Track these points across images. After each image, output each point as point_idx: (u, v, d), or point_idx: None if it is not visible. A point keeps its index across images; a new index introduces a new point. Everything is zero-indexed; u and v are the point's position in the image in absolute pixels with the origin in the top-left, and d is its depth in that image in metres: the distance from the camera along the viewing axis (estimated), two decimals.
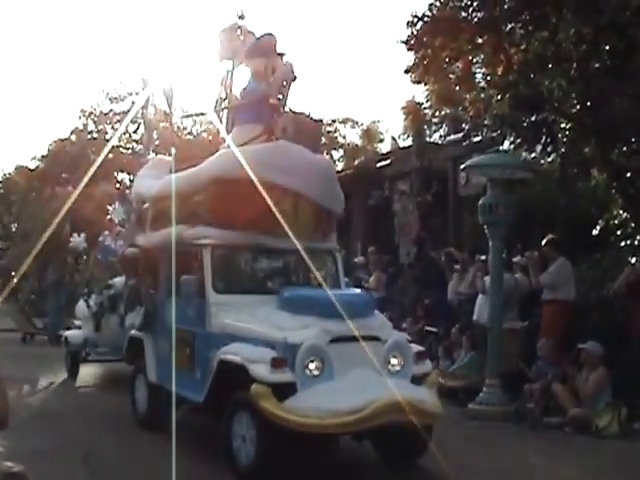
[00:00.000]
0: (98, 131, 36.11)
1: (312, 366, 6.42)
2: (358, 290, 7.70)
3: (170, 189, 8.29)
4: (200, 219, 7.77)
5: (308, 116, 8.30)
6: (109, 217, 12.79)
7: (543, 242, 10.72)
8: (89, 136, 36.06)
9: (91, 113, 36.58)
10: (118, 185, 35.54)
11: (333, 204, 8.12)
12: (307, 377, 6.39)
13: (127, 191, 12.10)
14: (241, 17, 8.96)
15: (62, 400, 10.98)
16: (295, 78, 8.10)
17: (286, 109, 8.21)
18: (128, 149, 35.51)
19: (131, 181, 35.46)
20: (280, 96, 8.12)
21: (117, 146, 34.38)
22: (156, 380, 8.36)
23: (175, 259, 8.06)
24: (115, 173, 35.41)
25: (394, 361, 6.87)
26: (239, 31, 8.94)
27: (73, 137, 36.44)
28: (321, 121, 8.12)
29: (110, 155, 31.64)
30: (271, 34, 8.43)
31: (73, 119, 40.80)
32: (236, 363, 6.62)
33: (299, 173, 7.58)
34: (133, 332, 8.96)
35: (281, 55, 8.22)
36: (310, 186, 7.68)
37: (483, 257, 11.18)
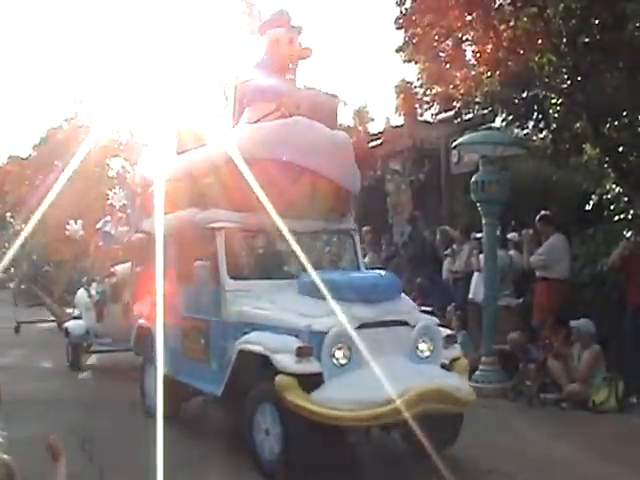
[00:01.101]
0: (90, 119, 35.52)
1: (339, 354, 6.02)
2: (382, 271, 7.24)
3: (178, 171, 7.88)
4: (212, 201, 7.35)
5: (322, 91, 7.81)
6: (109, 202, 12.32)
7: (537, 219, 10.55)
8: (80, 124, 35.46)
9: (82, 101, 36.02)
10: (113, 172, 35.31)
11: (351, 183, 7.73)
12: (334, 366, 6.00)
13: (127, 175, 11.63)
14: None
15: (62, 387, 10.92)
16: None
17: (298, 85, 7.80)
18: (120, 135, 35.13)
19: (123, 167, 35.42)
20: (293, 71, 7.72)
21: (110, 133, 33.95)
22: (168, 372, 7.93)
23: (186, 244, 7.66)
24: (108, 159, 34.98)
25: (423, 346, 6.49)
26: (244, 4, 8.53)
27: (65, 125, 35.86)
28: (336, 96, 7.63)
29: (102, 144, 31.22)
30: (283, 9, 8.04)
31: (66, 108, 40.18)
32: (258, 353, 6.21)
33: (316, 151, 7.17)
34: (141, 321, 8.54)
35: (297, 29, 7.79)
36: (328, 165, 7.28)
37: (478, 235, 11.03)
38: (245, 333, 6.59)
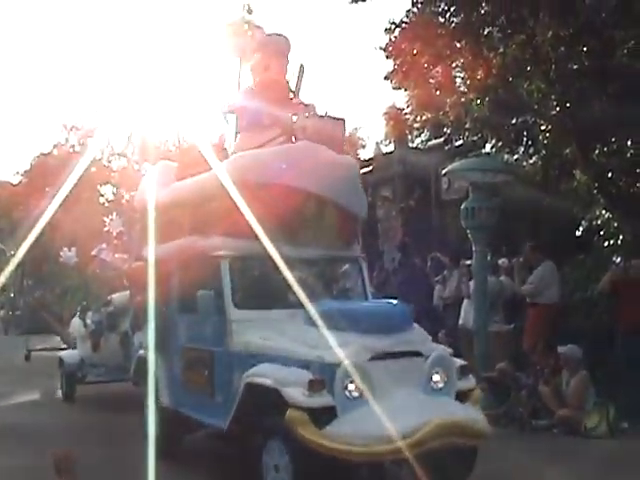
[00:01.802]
0: (80, 145, 35.51)
1: (352, 387, 5.77)
2: (394, 301, 7.03)
3: (180, 196, 7.67)
4: (215, 228, 7.12)
5: (328, 115, 7.63)
6: (106, 229, 12.06)
7: (526, 248, 10.58)
8: (71, 150, 35.42)
9: (73, 127, 36.08)
10: (103, 199, 35.23)
11: (358, 208, 7.53)
12: (347, 399, 5.75)
13: (123, 202, 11.39)
14: (249, 11, 8.38)
15: (55, 416, 10.84)
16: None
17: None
18: (110, 162, 35.16)
19: (114, 194, 35.30)
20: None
21: (100, 159, 34.09)
22: (169, 403, 7.70)
23: (189, 273, 7.43)
24: (99, 186, 35.01)
25: (437, 377, 6.26)
26: (246, 26, 8.35)
27: (55, 151, 35.82)
28: (343, 120, 7.45)
29: (93, 169, 31.24)
30: (280, 34, 7.91)
31: (55, 133, 40.17)
32: (267, 386, 5.96)
33: (323, 176, 6.98)
34: (142, 352, 8.28)
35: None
36: (335, 189, 7.09)
37: (468, 262, 11.06)
38: (252, 365, 6.34)
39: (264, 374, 6.07)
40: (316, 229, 7.09)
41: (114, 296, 11.20)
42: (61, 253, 14.11)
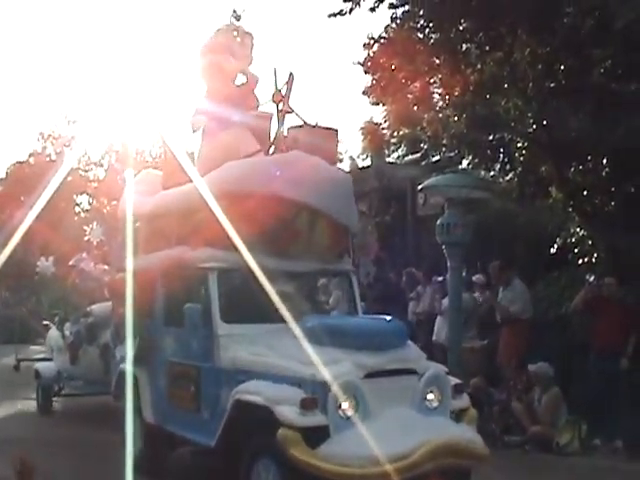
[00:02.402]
0: (57, 154, 35.04)
1: (345, 406, 5.60)
2: (388, 317, 6.85)
3: (166, 206, 7.45)
4: (203, 240, 6.89)
5: (319, 125, 7.47)
6: (86, 238, 11.76)
7: (492, 268, 10.71)
8: (47, 159, 34.93)
9: (49, 136, 35.60)
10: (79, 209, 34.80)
11: (350, 221, 7.35)
12: (340, 419, 5.57)
13: (105, 211, 11.10)
14: (237, 18, 8.19)
15: (28, 428, 10.59)
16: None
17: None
18: (87, 171, 34.73)
19: (90, 203, 34.88)
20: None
21: (76, 169, 33.64)
22: (153, 420, 7.46)
23: (175, 285, 7.22)
24: (75, 196, 34.56)
25: (431, 396, 6.11)
26: (235, 32, 8.17)
27: (32, 160, 35.31)
28: (335, 130, 7.29)
29: (69, 178, 30.85)
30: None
31: (32, 142, 39.63)
32: (257, 404, 5.75)
33: (315, 187, 6.79)
34: (123, 366, 8.02)
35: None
36: (327, 201, 6.90)
37: (440, 278, 11.16)
38: (241, 381, 6.14)
39: (254, 391, 5.86)
40: (307, 241, 6.92)
41: (94, 307, 10.90)
42: (38, 263, 13.80)
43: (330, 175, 7.07)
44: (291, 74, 7.67)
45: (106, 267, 10.84)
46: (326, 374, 5.61)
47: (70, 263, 12.22)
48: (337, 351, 5.88)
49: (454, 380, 6.44)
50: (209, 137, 7.66)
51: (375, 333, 6.16)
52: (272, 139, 7.45)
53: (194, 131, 7.84)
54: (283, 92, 7.43)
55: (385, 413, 5.71)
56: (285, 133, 7.30)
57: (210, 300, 6.65)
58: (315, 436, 5.45)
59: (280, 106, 7.26)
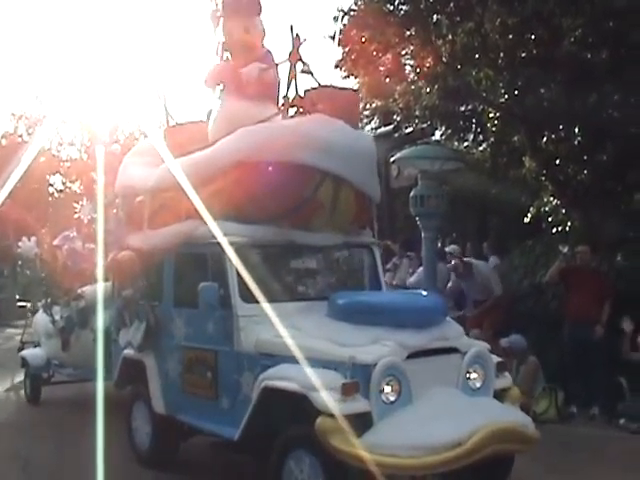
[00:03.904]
0: (29, 134, 34.14)
1: (388, 389, 5.12)
2: (424, 292, 6.36)
3: (173, 178, 6.83)
4: (217, 213, 6.29)
5: (337, 86, 6.91)
6: (76, 216, 11.05)
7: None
8: (20, 139, 34.03)
9: (21, 116, 34.70)
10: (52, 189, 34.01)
11: (375, 190, 6.83)
12: (384, 404, 5.09)
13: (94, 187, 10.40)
14: None
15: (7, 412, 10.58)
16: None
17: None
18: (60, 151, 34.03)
19: (64, 183, 34.08)
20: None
21: (49, 149, 32.95)
22: (164, 410, 6.90)
23: (187, 262, 6.65)
24: (48, 177, 33.83)
25: (475, 376, 5.69)
26: None
27: (3, 141, 34.36)
28: (356, 91, 6.74)
29: (42, 158, 30.14)
30: None
31: (3, 123, 38.54)
32: (290, 391, 5.22)
33: (340, 153, 6.22)
34: (128, 352, 7.45)
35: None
36: (352, 169, 6.34)
37: (409, 253, 11.40)
38: (266, 366, 5.62)
39: (285, 377, 5.33)
40: (331, 213, 6.37)
41: (86, 289, 10.24)
42: (20, 244, 13.10)
43: (355, 140, 6.50)
44: (297, 35, 7.14)
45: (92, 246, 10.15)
46: (367, 356, 5.12)
47: (55, 243, 11.54)
48: (375, 330, 5.39)
49: (497, 358, 5.96)
50: (229, 99, 7.04)
51: (416, 309, 5.67)
52: (288, 99, 6.85)
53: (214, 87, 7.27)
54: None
55: (430, 396, 5.27)
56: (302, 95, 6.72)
57: (228, 278, 6.08)
58: (357, 424, 4.95)
59: (297, 67, 6.67)
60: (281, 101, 6.97)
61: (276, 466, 5.40)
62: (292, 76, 6.79)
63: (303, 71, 6.70)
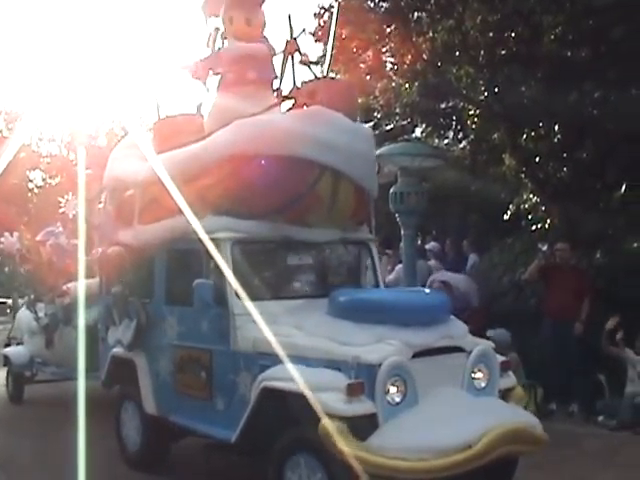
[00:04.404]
0: (9, 129, 33.71)
1: (393, 390, 4.94)
2: (426, 289, 6.18)
3: (165, 171, 6.60)
4: (211, 207, 6.11)
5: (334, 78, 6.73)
6: (62, 211, 10.78)
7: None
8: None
9: (1, 112, 34.30)
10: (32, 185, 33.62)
11: (372, 185, 6.63)
12: (389, 405, 4.91)
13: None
14: None
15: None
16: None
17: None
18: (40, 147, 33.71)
19: (44, 179, 33.68)
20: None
21: (28, 144, 32.64)
22: (155, 411, 6.69)
23: (180, 258, 6.44)
24: (28, 172, 33.49)
25: (479, 375, 5.52)
26: None
27: None
28: (354, 83, 6.59)
29: (22, 154, 29.84)
30: None
31: None
32: (291, 392, 5.03)
33: (339, 146, 6.03)
34: (117, 351, 7.23)
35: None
36: (351, 163, 6.15)
37: (388, 250, 11.37)
38: (265, 366, 5.41)
39: (286, 377, 5.11)
40: (329, 208, 6.18)
41: (71, 286, 10.00)
42: (2, 239, 12.81)
43: (354, 133, 6.30)
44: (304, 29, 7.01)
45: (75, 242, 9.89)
46: (372, 355, 4.94)
47: (38, 238, 11.28)
48: (378, 328, 5.21)
49: (501, 357, 5.80)
50: (225, 94, 6.84)
51: (420, 307, 5.50)
52: (281, 92, 6.68)
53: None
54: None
55: (435, 397, 5.08)
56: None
57: (223, 275, 5.86)
58: (363, 426, 4.78)
59: (295, 57, 6.49)
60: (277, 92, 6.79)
61: (276, 470, 5.20)
62: (285, 67, 6.64)
63: (302, 62, 6.50)
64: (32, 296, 11.35)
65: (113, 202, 7.52)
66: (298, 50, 6.52)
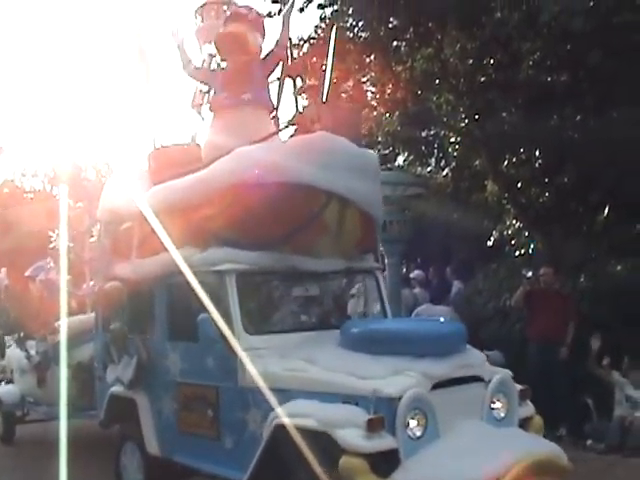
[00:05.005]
0: None
1: (414, 424, 4.73)
2: (441, 318, 6.01)
3: (164, 202, 6.41)
4: (213, 239, 5.93)
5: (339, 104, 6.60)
6: (52, 246, 10.54)
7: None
8: None
9: None
10: None
11: (378, 212, 6.47)
12: (410, 440, 4.71)
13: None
14: None
15: None
16: None
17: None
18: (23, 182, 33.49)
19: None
20: None
21: (12, 180, 32.46)
22: (158, 451, 6.44)
23: (182, 292, 6.21)
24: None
25: (499, 405, 5.35)
26: (225, 7, 7.25)
27: None
28: (359, 107, 6.47)
29: (5, 189, 29.76)
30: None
31: None
32: (308, 429, 4.81)
33: (344, 173, 5.87)
34: (116, 389, 6.98)
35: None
36: (357, 189, 5.99)
37: None
38: (276, 402, 5.18)
39: (301, 413, 4.91)
40: (336, 236, 6.00)
41: (61, 322, 9.72)
42: None
43: (360, 159, 6.17)
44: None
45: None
46: (392, 388, 4.73)
47: (27, 274, 11.00)
48: (395, 360, 5.01)
49: (518, 386, 5.62)
50: (221, 116, 6.69)
51: (437, 337, 5.31)
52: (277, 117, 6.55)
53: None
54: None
55: (457, 428, 4.89)
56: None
57: (229, 308, 5.65)
58: (384, 463, 4.57)
59: (297, 81, 6.35)
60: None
61: None
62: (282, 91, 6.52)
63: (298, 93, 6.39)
64: (22, 334, 11.05)
65: (108, 235, 7.30)
66: (300, 76, 6.37)
